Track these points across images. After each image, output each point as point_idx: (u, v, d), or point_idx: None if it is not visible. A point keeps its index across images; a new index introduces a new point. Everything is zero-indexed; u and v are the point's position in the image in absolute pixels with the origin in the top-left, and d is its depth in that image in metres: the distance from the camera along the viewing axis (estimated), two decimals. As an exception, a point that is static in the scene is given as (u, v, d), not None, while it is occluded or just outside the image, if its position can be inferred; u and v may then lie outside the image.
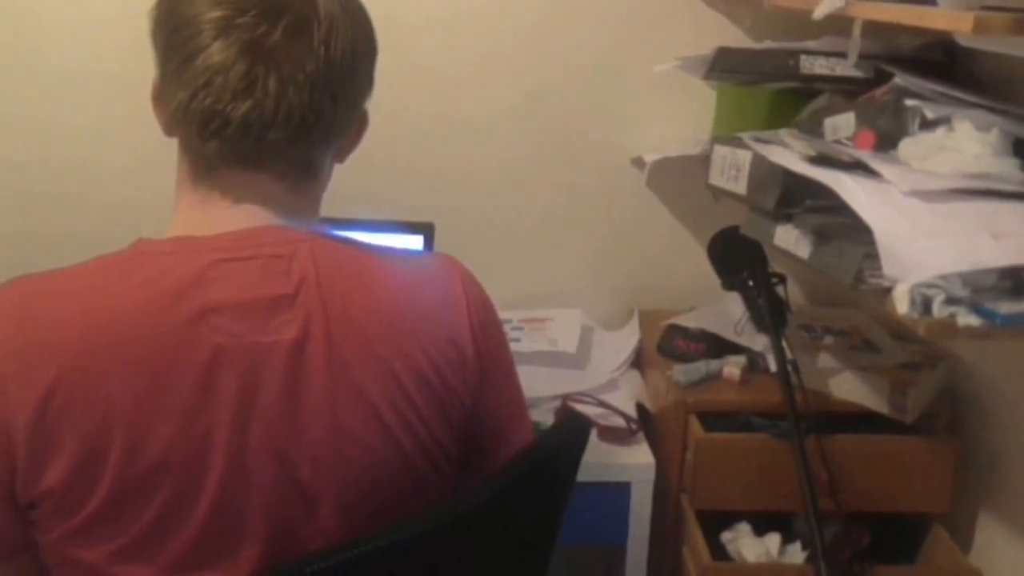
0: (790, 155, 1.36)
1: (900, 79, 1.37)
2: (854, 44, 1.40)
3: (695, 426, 1.59)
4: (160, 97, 0.94)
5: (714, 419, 1.60)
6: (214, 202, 0.93)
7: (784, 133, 1.51)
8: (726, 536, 1.62)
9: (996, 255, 1.09)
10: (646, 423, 1.71)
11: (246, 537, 0.87)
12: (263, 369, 0.86)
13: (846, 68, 1.49)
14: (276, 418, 0.86)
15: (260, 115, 0.89)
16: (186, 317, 0.85)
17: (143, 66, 0.96)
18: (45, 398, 0.82)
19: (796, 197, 1.35)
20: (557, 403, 1.69)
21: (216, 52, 0.88)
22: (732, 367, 1.68)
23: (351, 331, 0.90)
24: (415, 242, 1.66)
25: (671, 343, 1.78)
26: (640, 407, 1.73)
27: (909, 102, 1.33)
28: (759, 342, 1.69)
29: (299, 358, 0.87)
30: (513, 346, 1.08)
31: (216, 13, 0.88)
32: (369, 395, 0.90)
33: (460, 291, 1.00)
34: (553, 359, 1.80)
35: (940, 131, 1.29)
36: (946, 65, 1.51)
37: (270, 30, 0.88)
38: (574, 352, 1.81)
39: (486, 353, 0.99)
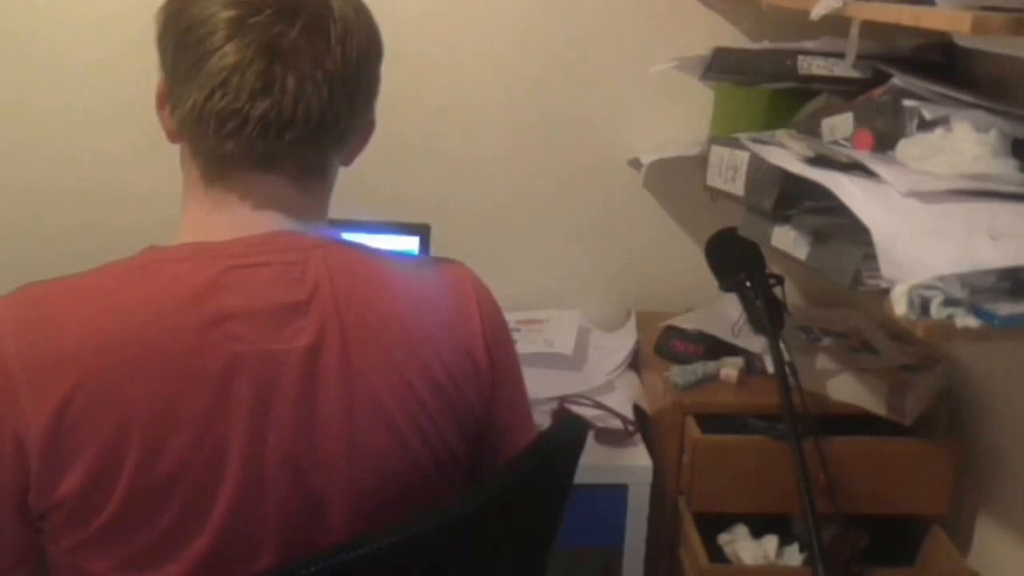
0: (788, 156, 1.35)
1: (898, 79, 1.37)
2: (852, 44, 1.40)
3: (692, 428, 1.58)
4: (168, 99, 0.93)
5: (711, 421, 1.60)
6: (228, 205, 0.92)
7: (782, 134, 1.51)
8: (723, 538, 1.62)
9: (994, 256, 1.09)
10: (643, 425, 1.70)
11: (259, 547, 0.86)
12: (278, 376, 0.85)
13: (844, 68, 1.49)
14: (291, 426, 0.86)
15: (279, 114, 0.88)
16: (201, 324, 0.84)
17: (148, 55, 0.95)
18: (60, 410, 0.81)
19: (794, 198, 1.35)
20: (554, 405, 1.68)
21: (232, 52, 0.87)
22: (729, 368, 1.68)
23: (367, 338, 0.89)
24: (411, 243, 1.66)
25: (668, 344, 1.77)
26: (637, 409, 1.73)
27: (907, 103, 1.33)
28: (757, 343, 1.68)
29: (313, 365, 0.87)
30: (510, 348, 1.08)
31: (230, 13, 0.88)
32: (384, 402, 0.89)
33: (473, 299, 0.99)
34: (550, 360, 1.80)
35: (938, 132, 1.29)
36: (944, 65, 1.50)
37: (287, 29, 0.88)
38: (571, 354, 1.81)
39: (498, 361, 0.99)
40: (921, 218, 1.15)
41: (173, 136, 0.95)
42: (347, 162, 1.00)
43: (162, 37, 0.93)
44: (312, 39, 0.89)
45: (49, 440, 0.81)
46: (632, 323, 1.95)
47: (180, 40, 0.90)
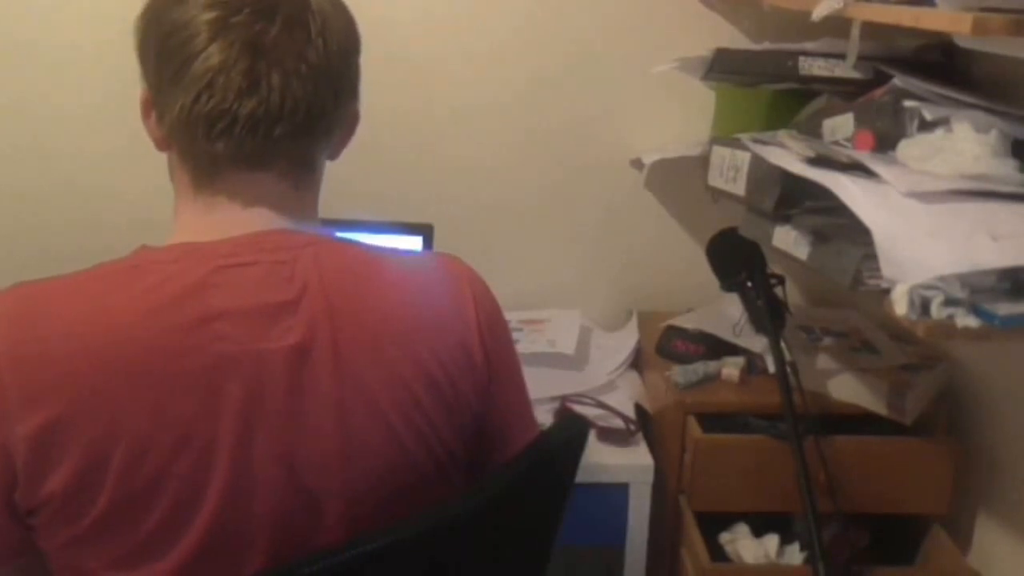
0: (789, 156, 1.36)
1: (899, 80, 1.37)
2: (852, 45, 1.40)
3: (694, 427, 1.59)
4: (153, 108, 0.94)
5: (713, 420, 1.60)
6: (219, 206, 0.93)
7: (783, 134, 1.51)
8: (724, 537, 1.62)
9: (995, 256, 1.09)
10: (645, 424, 1.70)
11: (251, 546, 0.86)
12: (267, 376, 0.85)
13: (845, 69, 1.49)
14: (282, 425, 0.86)
15: (266, 111, 0.89)
16: (189, 324, 0.84)
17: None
18: (47, 414, 0.81)
19: (795, 198, 1.35)
20: (556, 404, 1.69)
21: (215, 53, 0.88)
22: (730, 368, 1.68)
23: (359, 335, 0.89)
24: (414, 243, 1.66)
25: (669, 344, 1.78)
26: (639, 408, 1.73)
27: (908, 103, 1.33)
28: (758, 343, 1.68)
29: (303, 364, 0.87)
30: (511, 347, 1.08)
31: (210, 15, 0.88)
32: (378, 400, 0.89)
33: (467, 292, 0.99)
34: (552, 360, 1.80)
35: (939, 132, 1.29)
36: (944, 66, 1.51)
37: (267, 26, 0.89)
38: (573, 353, 1.81)
39: (494, 355, 0.99)
40: (921, 218, 1.15)
41: (160, 145, 0.96)
42: (334, 156, 1.01)
43: (143, 46, 0.93)
44: (293, 34, 0.90)
45: (35, 442, 0.81)
46: (633, 323, 1.95)
47: (162, 46, 0.90)
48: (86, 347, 0.83)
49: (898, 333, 1.70)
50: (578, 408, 1.68)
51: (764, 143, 1.46)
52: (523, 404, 1.07)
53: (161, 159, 0.98)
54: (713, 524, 1.61)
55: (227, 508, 0.85)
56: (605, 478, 1.59)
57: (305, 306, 0.88)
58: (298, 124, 0.91)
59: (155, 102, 0.93)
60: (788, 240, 1.36)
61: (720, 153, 1.53)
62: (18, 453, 0.82)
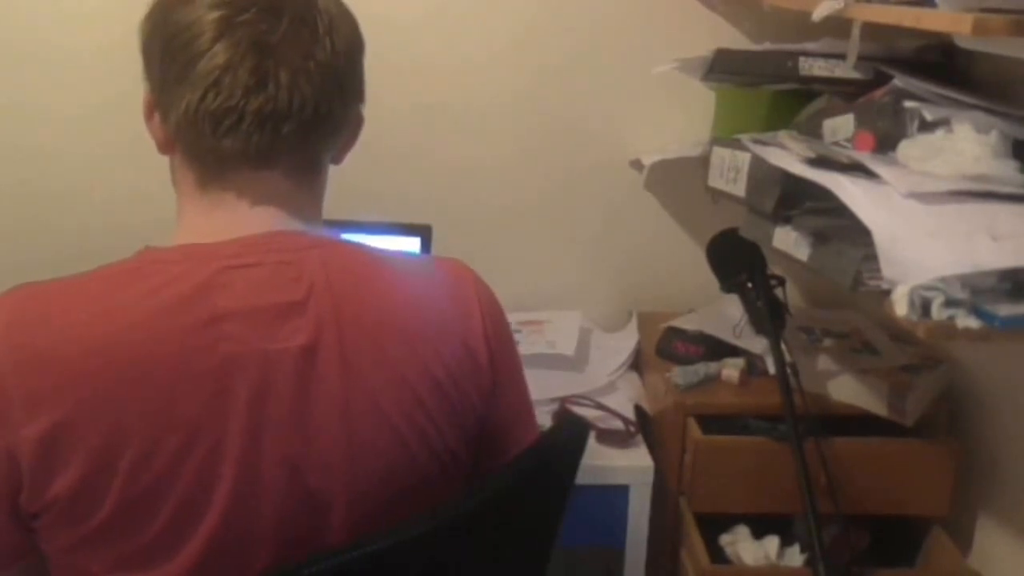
0: (789, 157, 1.36)
1: (899, 81, 1.37)
2: (853, 45, 1.40)
3: (694, 428, 1.58)
4: (157, 108, 0.93)
5: (713, 421, 1.60)
6: (225, 204, 0.92)
7: (783, 135, 1.51)
8: (725, 539, 1.62)
9: (995, 257, 1.09)
10: (645, 425, 1.70)
11: (257, 547, 0.86)
12: (273, 377, 0.85)
13: (845, 70, 1.49)
14: (287, 426, 0.85)
15: (274, 108, 0.89)
16: (195, 325, 0.84)
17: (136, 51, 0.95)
18: (52, 417, 0.81)
19: (795, 199, 1.35)
20: (555, 406, 1.68)
21: (221, 52, 0.87)
22: (731, 369, 1.68)
23: (364, 337, 0.89)
24: (412, 244, 1.66)
25: (670, 345, 1.77)
26: (639, 409, 1.73)
27: (908, 104, 1.33)
28: (758, 344, 1.68)
29: (309, 365, 0.86)
30: (512, 348, 1.07)
31: (216, 14, 0.88)
32: (382, 402, 0.89)
33: (473, 296, 0.99)
34: (551, 361, 1.80)
35: (939, 133, 1.29)
36: (945, 67, 1.51)
37: (274, 25, 0.89)
38: (572, 354, 1.81)
39: (498, 358, 0.99)
40: (922, 219, 1.15)
41: (163, 146, 0.95)
42: (338, 160, 1.01)
43: (147, 47, 0.93)
44: (300, 32, 0.90)
45: (40, 447, 0.81)
46: (633, 324, 1.95)
47: (167, 46, 0.90)
48: (90, 349, 0.82)
49: (899, 334, 1.70)
50: (578, 409, 1.68)
51: (764, 144, 1.46)
52: (525, 407, 1.07)
53: (163, 160, 0.98)
54: (713, 526, 1.60)
55: (234, 510, 0.84)
56: (605, 479, 1.59)
57: (313, 306, 0.88)
58: (306, 122, 0.91)
59: (159, 102, 0.93)
60: (788, 241, 1.36)
61: (720, 154, 1.53)
62: (23, 457, 0.81)
